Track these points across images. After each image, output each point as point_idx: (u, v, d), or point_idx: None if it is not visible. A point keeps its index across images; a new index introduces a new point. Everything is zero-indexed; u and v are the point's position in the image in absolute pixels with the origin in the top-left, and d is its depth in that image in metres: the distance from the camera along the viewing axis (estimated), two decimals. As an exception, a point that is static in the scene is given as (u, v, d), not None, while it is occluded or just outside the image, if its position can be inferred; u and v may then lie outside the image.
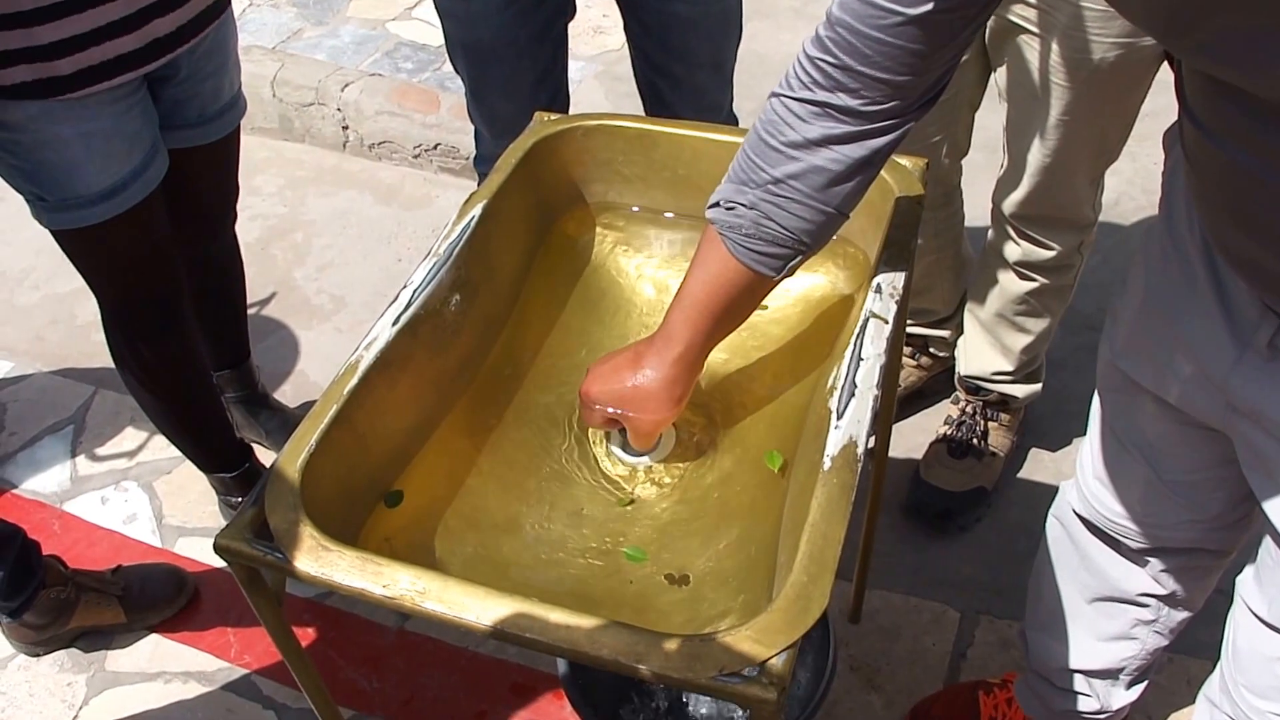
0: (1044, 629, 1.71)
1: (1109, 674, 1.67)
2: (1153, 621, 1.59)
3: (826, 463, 1.10)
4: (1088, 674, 1.68)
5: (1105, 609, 1.60)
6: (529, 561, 1.27)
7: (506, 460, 1.38)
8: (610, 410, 1.31)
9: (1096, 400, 1.48)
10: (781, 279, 1.22)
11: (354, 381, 1.20)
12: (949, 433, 2.33)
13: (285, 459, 1.12)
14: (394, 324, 1.27)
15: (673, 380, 1.28)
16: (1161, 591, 1.54)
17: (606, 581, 1.25)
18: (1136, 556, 1.52)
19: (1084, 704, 1.71)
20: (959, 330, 2.35)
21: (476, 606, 0.98)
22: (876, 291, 1.28)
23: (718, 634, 0.95)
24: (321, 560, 1.03)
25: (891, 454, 2.01)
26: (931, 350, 2.44)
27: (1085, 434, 2.37)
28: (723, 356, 1.48)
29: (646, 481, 1.37)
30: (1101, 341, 1.42)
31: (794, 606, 0.97)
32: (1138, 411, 1.37)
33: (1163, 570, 1.51)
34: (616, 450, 1.40)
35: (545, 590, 1.22)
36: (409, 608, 0.99)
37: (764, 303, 1.53)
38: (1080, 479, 1.56)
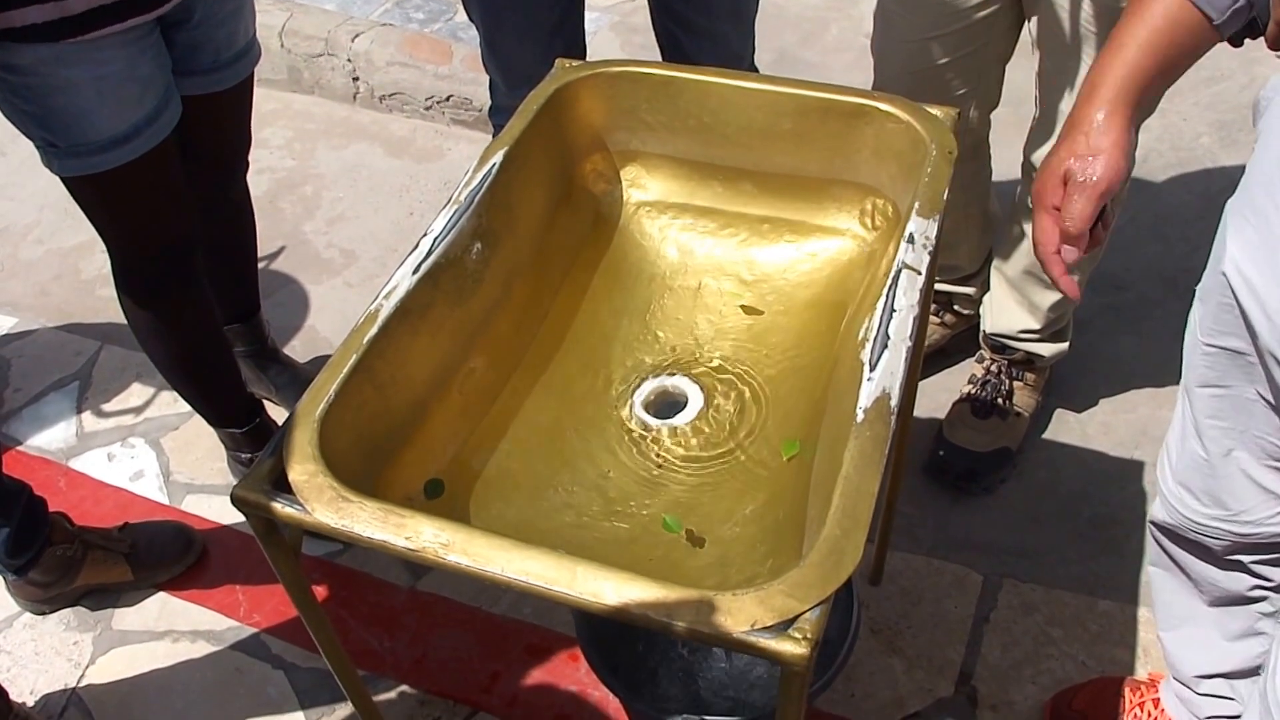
0: (1173, 634, 1.66)
1: (1249, 674, 1.59)
2: (1275, 613, 1.52)
3: (859, 415, 1.06)
4: (1227, 676, 1.61)
5: (1226, 610, 1.55)
6: (553, 526, 1.24)
7: (529, 422, 1.35)
8: (1061, 185, 1.19)
9: (1181, 401, 1.44)
10: (1225, 35, 1.13)
11: (374, 330, 1.17)
12: (973, 392, 2.29)
13: (304, 409, 1.09)
14: (414, 272, 1.24)
15: (1111, 118, 1.16)
16: (1271, 582, 1.48)
17: (632, 547, 1.22)
18: (1225, 561, 1.47)
19: (1230, 708, 1.64)
20: (984, 287, 2.31)
21: (502, 559, 0.95)
22: (909, 241, 1.24)
23: (749, 589, 0.92)
24: (342, 512, 0.99)
25: (914, 413, 1.97)
26: (956, 307, 2.40)
27: (1111, 395, 2.36)
28: (748, 321, 1.46)
29: (672, 444, 1.33)
30: (1188, 332, 1.38)
31: (827, 561, 0.94)
32: (1233, 395, 1.32)
33: (1259, 562, 1.46)
34: (641, 412, 1.36)
35: (569, 554, 1.19)
36: (432, 560, 0.96)
37: (790, 266, 1.50)
38: (1163, 486, 1.51)
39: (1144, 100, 1.17)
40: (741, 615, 0.91)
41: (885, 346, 1.13)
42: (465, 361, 1.33)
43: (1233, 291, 1.23)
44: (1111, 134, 1.15)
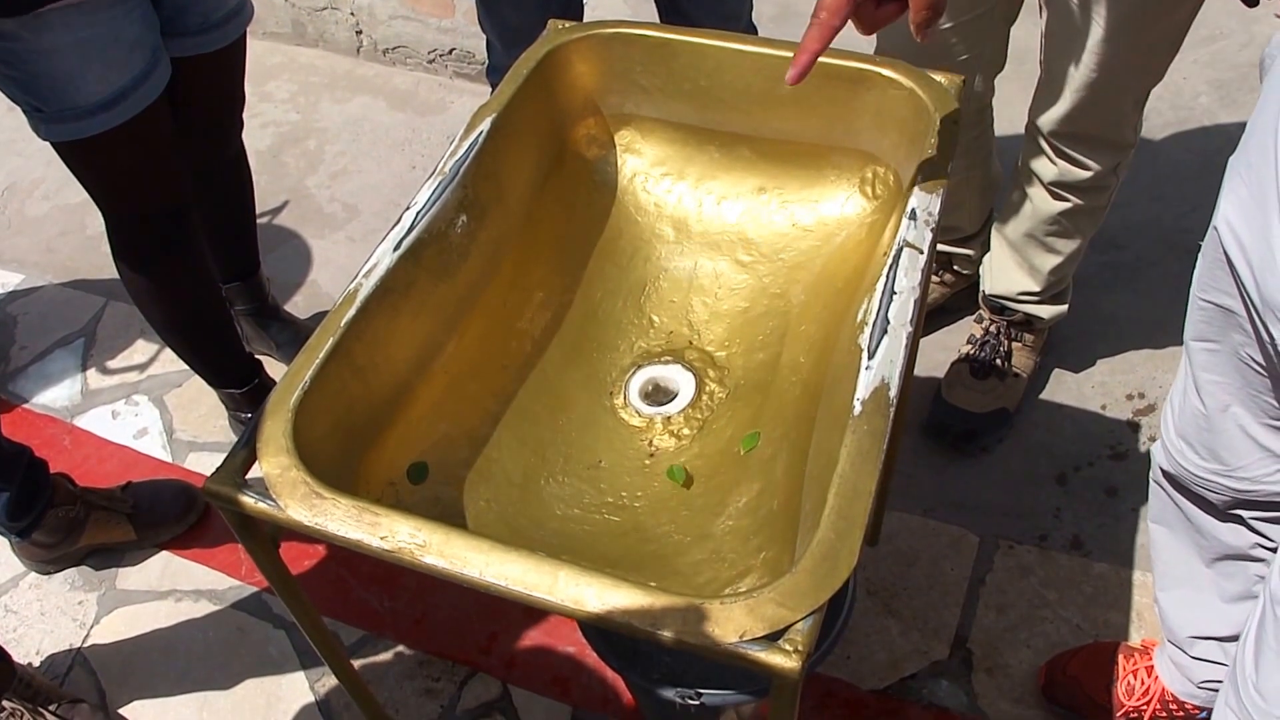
0: (1171, 594, 1.65)
1: None
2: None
3: (857, 407, 1.03)
4: (1221, 640, 1.60)
5: (1224, 568, 1.54)
6: (543, 517, 1.22)
7: (520, 408, 1.32)
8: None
9: (1184, 354, 1.42)
10: None
11: (352, 312, 1.14)
12: (972, 352, 2.28)
13: (278, 397, 1.06)
14: (395, 249, 1.20)
15: None
16: (1272, 542, 1.47)
17: (624, 539, 1.19)
18: (1226, 514, 1.46)
19: (1222, 673, 1.60)
20: (984, 248, 2.28)
21: (480, 562, 0.93)
22: (911, 218, 1.20)
23: (739, 596, 0.89)
24: (315, 509, 0.97)
25: (913, 372, 1.95)
26: (955, 267, 2.38)
27: (1108, 355, 2.34)
28: (743, 304, 1.42)
29: (665, 433, 1.31)
30: (1193, 287, 1.36)
31: (821, 566, 0.91)
32: (1225, 352, 1.32)
33: (1260, 520, 1.45)
34: (634, 399, 1.34)
35: (560, 548, 1.16)
36: (408, 561, 0.94)
37: (788, 245, 1.47)
38: (1164, 436, 1.51)
39: None
40: (730, 625, 0.88)
41: (885, 332, 1.09)
42: (450, 341, 1.30)
43: (1223, 247, 1.22)
44: None
